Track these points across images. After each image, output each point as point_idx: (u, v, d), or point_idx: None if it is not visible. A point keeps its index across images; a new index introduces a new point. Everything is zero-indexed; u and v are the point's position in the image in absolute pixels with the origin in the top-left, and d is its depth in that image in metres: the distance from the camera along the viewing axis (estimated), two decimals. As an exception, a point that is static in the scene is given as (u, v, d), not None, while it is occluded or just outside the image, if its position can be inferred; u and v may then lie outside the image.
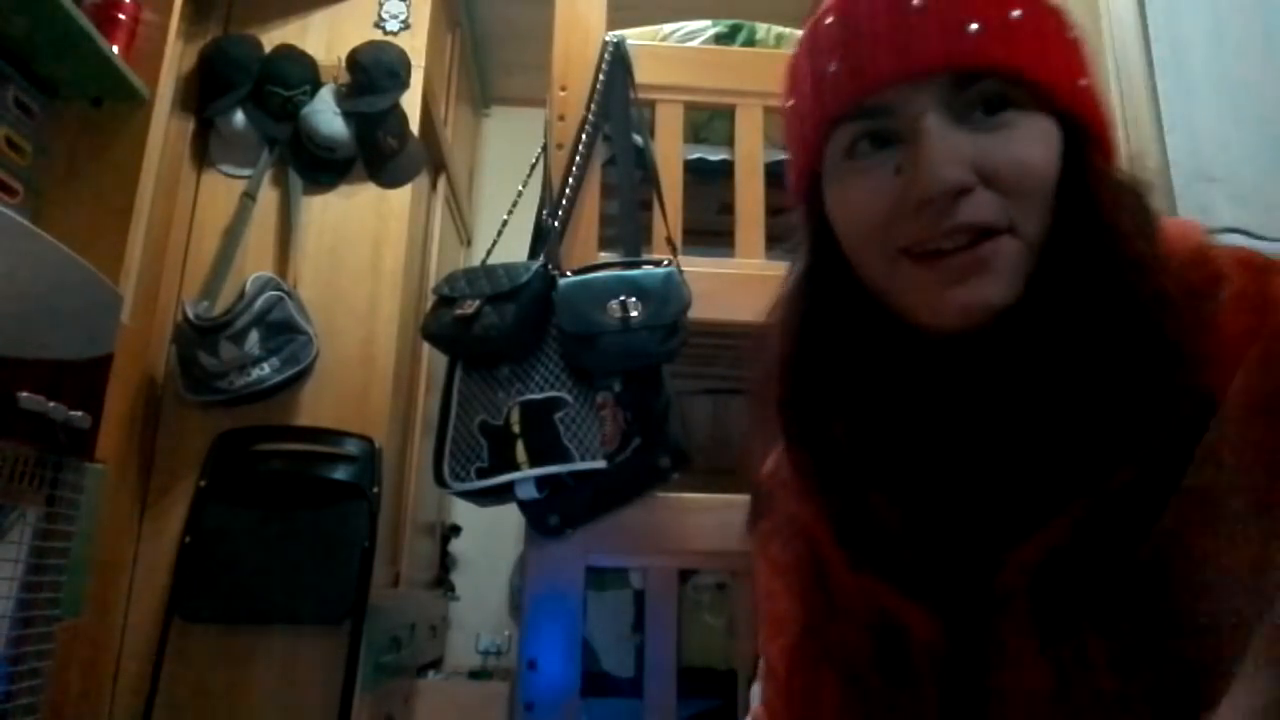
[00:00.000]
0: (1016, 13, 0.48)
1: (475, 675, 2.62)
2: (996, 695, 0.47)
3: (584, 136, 1.52)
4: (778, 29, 1.74)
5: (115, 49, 1.51)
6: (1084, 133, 0.49)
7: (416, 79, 2.12)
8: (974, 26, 0.46)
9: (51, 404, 1.16)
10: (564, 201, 1.48)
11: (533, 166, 1.68)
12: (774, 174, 1.52)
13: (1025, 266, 0.47)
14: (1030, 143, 0.47)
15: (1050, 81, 0.48)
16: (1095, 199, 0.47)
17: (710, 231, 1.68)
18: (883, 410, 0.52)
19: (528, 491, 1.28)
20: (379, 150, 2.01)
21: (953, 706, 0.49)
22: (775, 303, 0.59)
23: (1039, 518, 0.45)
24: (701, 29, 1.75)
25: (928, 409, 0.52)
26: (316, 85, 2.00)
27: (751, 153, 1.56)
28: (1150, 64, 1.45)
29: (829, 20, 0.52)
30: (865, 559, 0.51)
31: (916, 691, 0.51)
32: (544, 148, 1.64)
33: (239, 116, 1.95)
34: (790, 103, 0.56)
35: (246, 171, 1.97)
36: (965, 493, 0.49)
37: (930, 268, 0.47)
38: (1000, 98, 0.47)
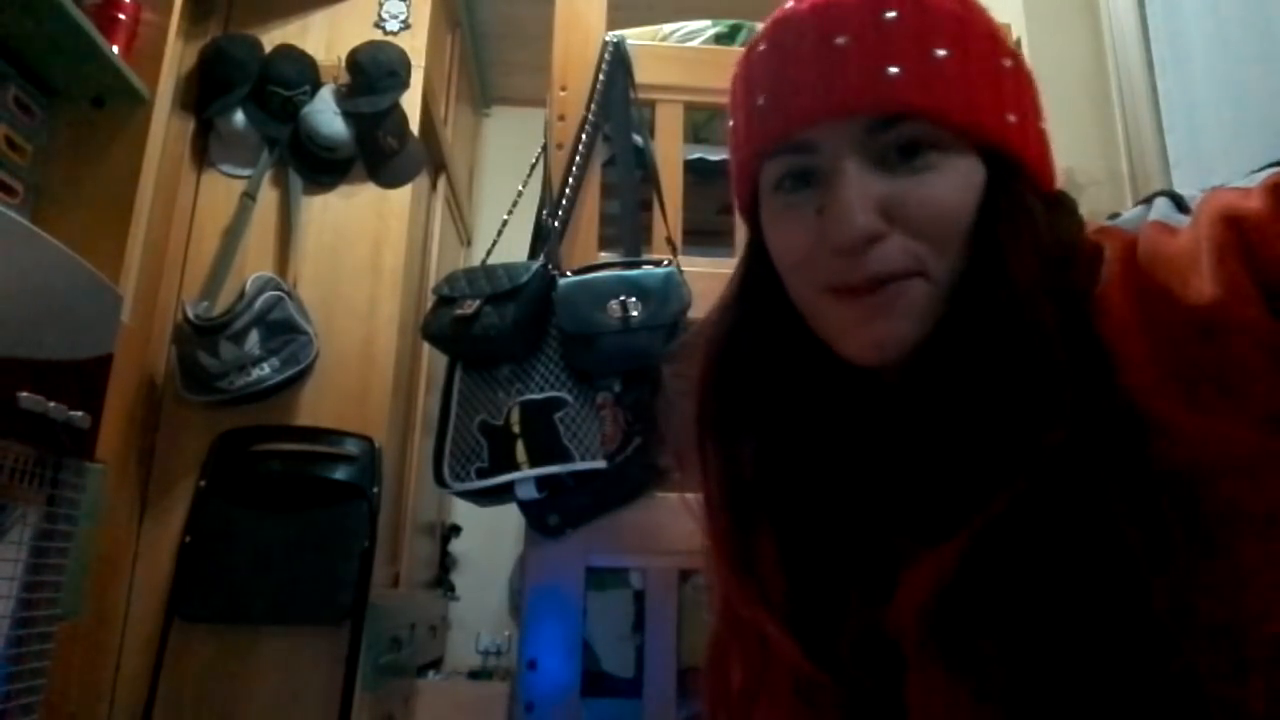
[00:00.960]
0: (941, 52, 0.48)
1: (475, 675, 2.62)
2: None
3: (584, 136, 1.51)
4: (778, 29, 1.74)
5: (115, 49, 1.51)
6: (1010, 166, 0.50)
7: (416, 79, 2.12)
8: (894, 70, 0.47)
9: (51, 404, 1.16)
10: (564, 201, 1.47)
11: (533, 166, 1.68)
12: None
13: (934, 306, 0.48)
14: (946, 187, 0.48)
15: (973, 121, 0.49)
16: (1002, 243, 0.48)
17: (710, 231, 1.68)
18: (795, 435, 0.54)
19: (528, 491, 1.28)
20: (379, 150, 2.01)
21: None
22: (709, 316, 0.60)
23: (931, 546, 0.46)
24: (701, 29, 1.74)
25: (840, 437, 0.54)
26: (316, 85, 2.00)
27: (751, 153, 1.56)
28: (1150, 64, 1.45)
29: (762, 48, 0.53)
30: (749, 579, 0.53)
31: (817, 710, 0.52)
32: (544, 148, 1.64)
33: (239, 116, 1.95)
34: (730, 123, 0.58)
35: (246, 171, 1.97)
36: (864, 526, 0.51)
37: (847, 305, 0.49)
38: (920, 139, 0.48)
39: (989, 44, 0.51)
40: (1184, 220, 0.45)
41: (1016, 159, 0.50)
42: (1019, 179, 0.50)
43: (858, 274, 0.48)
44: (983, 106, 0.49)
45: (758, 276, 0.57)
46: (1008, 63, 0.52)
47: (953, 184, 0.48)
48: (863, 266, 0.48)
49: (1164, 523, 0.41)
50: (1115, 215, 0.51)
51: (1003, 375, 0.45)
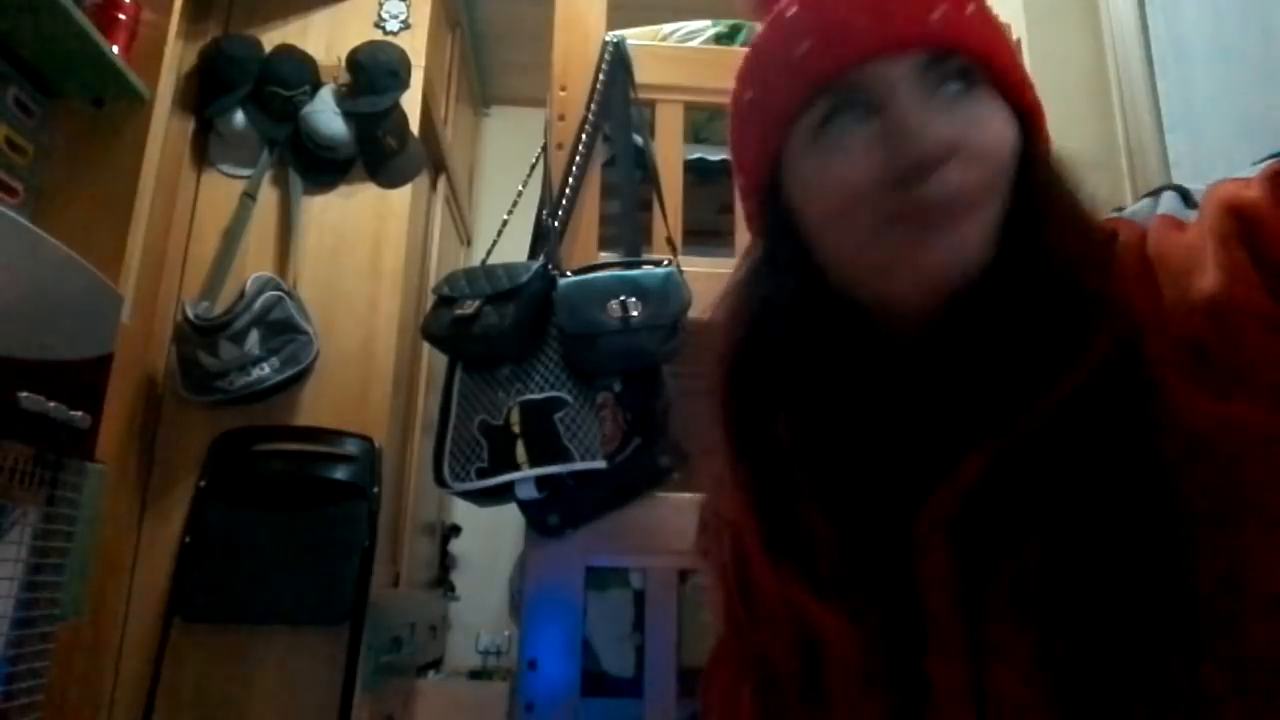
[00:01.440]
0: (971, 7, 0.51)
1: (475, 675, 2.62)
2: (930, 694, 0.47)
3: (584, 136, 1.51)
4: (778, 29, 1.74)
5: (115, 49, 1.51)
6: (1029, 121, 0.52)
7: (416, 79, 2.12)
8: (940, 11, 0.49)
9: (51, 404, 1.16)
10: (564, 201, 1.47)
11: (533, 166, 1.68)
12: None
13: (994, 234, 0.48)
14: (998, 121, 0.49)
15: (1006, 69, 0.51)
16: (1041, 181, 0.50)
17: (710, 231, 1.68)
18: (827, 409, 0.53)
19: (528, 491, 1.28)
20: (379, 150, 2.01)
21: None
22: (722, 296, 0.59)
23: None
24: (701, 29, 1.74)
25: (872, 408, 0.53)
26: (316, 85, 2.00)
27: (751, 153, 1.56)
28: (1150, 64, 1.45)
29: (793, 11, 0.52)
30: (789, 563, 0.52)
31: (834, 705, 0.51)
32: (544, 148, 1.64)
33: (239, 116, 1.95)
34: (748, 95, 0.56)
35: (246, 171, 1.97)
36: (901, 500, 0.50)
37: (916, 227, 0.47)
38: (969, 76, 0.49)
39: (998, 18, 0.55)
40: (1191, 215, 0.46)
41: (1033, 115, 0.52)
42: (1040, 134, 0.52)
43: (934, 188, 0.46)
44: (1010, 60, 0.52)
45: (779, 253, 0.56)
46: (1014, 38, 0.56)
47: (1003, 121, 0.49)
48: (940, 180, 0.46)
49: (1177, 490, 0.41)
50: (1120, 209, 0.52)
51: (1048, 318, 0.46)
